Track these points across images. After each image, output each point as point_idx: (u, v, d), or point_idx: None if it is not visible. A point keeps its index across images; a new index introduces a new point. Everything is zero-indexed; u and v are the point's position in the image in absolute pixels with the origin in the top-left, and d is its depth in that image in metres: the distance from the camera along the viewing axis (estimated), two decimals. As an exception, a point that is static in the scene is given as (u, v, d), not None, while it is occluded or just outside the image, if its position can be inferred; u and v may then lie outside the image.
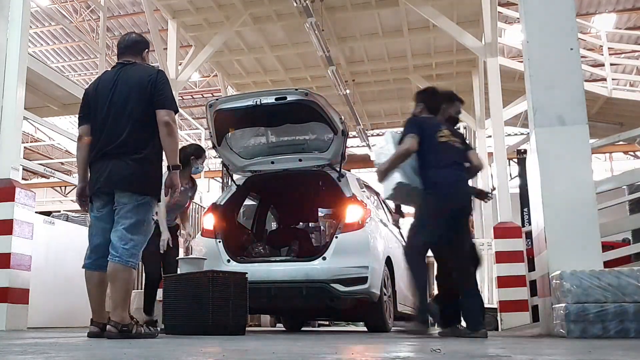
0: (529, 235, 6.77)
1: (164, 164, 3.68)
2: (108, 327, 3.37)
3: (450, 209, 4.00)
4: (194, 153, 5.27)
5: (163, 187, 3.67)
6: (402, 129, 4.22)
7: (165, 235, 4.95)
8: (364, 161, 15.73)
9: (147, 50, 3.82)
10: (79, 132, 3.68)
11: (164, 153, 3.58)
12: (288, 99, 5.13)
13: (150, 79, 3.52)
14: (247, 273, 4.55)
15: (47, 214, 8.48)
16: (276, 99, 5.14)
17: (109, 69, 3.87)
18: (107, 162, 3.47)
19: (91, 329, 3.49)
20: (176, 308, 4.36)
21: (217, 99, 5.49)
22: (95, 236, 3.56)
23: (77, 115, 3.82)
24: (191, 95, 19.92)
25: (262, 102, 5.17)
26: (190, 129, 18.36)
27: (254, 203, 6.79)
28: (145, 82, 3.51)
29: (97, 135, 3.54)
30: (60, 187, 22.83)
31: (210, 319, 4.14)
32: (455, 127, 4.47)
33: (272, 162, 5.84)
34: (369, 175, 18.55)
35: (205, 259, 4.79)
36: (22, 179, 6.46)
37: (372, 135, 20.09)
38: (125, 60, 3.69)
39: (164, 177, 3.68)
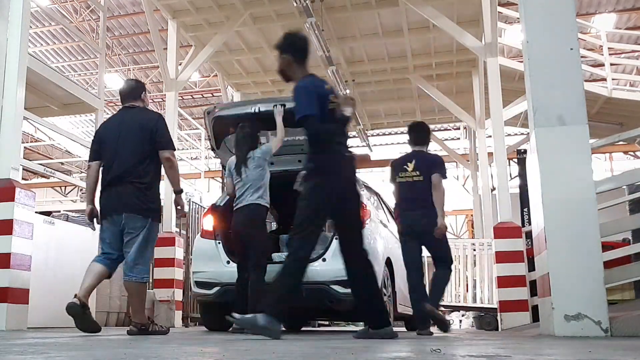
0: (529, 235, 6.77)
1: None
2: (130, 327, 4.13)
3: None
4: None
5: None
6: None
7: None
8: (364, 161, 15.74)
9: (144, 92, 4.51)
10: (90, 164, 4.34)
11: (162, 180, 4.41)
12: (287, 106, 5.14)
13: (151, 124, 4.24)
14: None
15: (47, 214, 8.47)
16: (275, 107, 5.17)
17: (116, 113, 4.56)
18: (117, 188, 4.14)
19: (71, 302, 3.87)
20: None
21: (214, 106, 5.50)
22: (104, 244, 4.25)
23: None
24: (191, 95, 19.93)
25: (260, 109, 5.21)
26: (190, 129, 18.37)
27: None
28: (147, 125, 4.23)
29: (107, 168, 4.23)
30: (60, 187, 22.85)
31: None
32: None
33: (272, 163, 5.84)
34: (369, 175, 18.56)
35: None
36: (22, 179, 6.47)
37: (372, 135, 20.11)
38: (129, 104, 4.40)
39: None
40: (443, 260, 4.97)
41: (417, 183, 4.88)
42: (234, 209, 5.06)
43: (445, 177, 4.95)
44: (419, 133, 5.17)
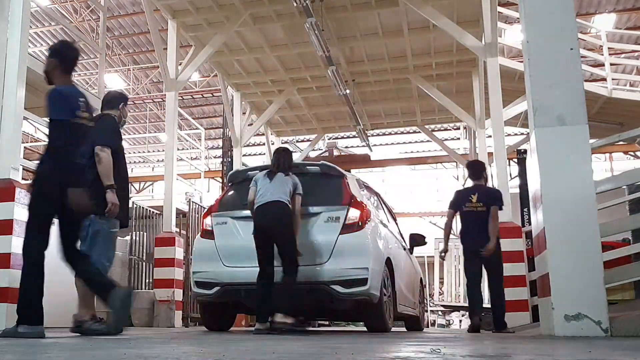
0: (529, 235, 6.77)
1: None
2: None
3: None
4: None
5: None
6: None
7: None
8: (364, 161, 15.74)
9: (123, 103, 4.57)
10: None
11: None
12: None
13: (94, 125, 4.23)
14: None
15: (47, 214, 8.45)
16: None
17: None
18: None
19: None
20: None
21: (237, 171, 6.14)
22: None
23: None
24: (191, 95, 19.94)
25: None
26: (190, 129, 18.37)
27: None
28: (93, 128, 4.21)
29: None
30: (60, 187, 22.79)
31: None
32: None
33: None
34: (369, 175, 18.51)
35: None
36: (22, 179, 6.47)
37: (372, 135, 20.10)
38: (102, 112, 4.48)
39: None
40: (496, 276, 5.87)
41: (481, 212, 5.81)
42: (257, 205, 4.87)
43: (501, 209, 5.92)
44: (476, 170, 6.15)
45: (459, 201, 6.02)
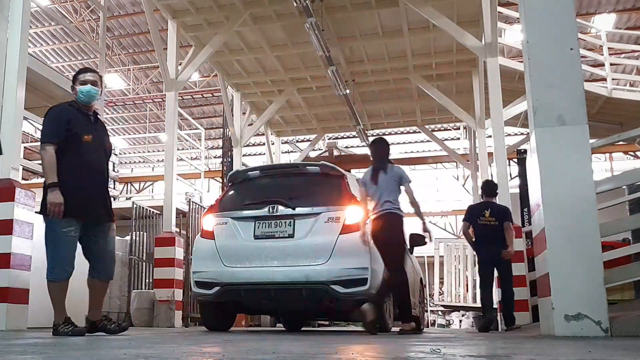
0: (529, 235, 6.79)
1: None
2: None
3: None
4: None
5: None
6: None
7: None
8: (364, 161, 15.75)
9: (74, 84, 4.22)
10: None
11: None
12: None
13: None
14: None
15: (47, 214, 8.47)
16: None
17: None
18: None
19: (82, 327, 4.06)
20: None
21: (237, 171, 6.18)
22: None
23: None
24: (191, 95, 19.94)
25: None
26: (190, 129, 18.38)
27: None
28: None
29: None
30: (60, 187, 22.82)
31: None
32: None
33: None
34: (369, 175, 18.40)
35: None
36: (22, 179, 6.49)
37: (372, 135, 20.07)
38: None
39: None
40: (507, 280, 6.53)
41: (494, 226, 6.54)
42: (371, 217, 5.06)
43: (513, 222, 6.63)
44: (491, 189, 6.92)
45: (473, 215, 6.72)
